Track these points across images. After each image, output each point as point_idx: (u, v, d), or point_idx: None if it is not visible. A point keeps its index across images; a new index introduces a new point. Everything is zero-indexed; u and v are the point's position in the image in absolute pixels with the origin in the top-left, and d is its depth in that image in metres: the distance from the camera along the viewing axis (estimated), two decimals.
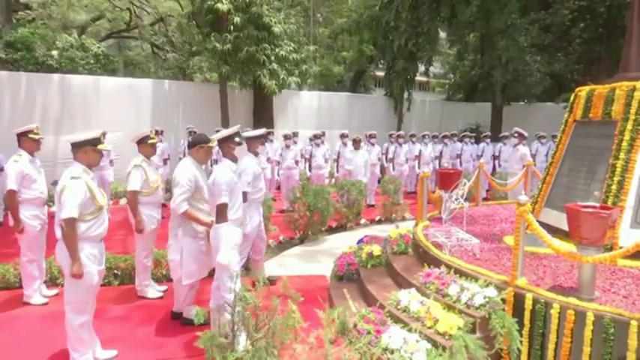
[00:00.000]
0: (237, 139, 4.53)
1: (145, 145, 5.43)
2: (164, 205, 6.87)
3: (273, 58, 12.62)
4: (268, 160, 11.08)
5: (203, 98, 13.95)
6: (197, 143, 4.45)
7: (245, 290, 3.13)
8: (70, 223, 3.72)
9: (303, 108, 16.60)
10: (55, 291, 5.51)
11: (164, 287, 5.64)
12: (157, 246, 5.79)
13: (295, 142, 11.93)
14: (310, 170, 11.20)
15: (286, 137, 10.91)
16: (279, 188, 11.66)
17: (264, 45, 12.48)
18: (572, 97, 6.12)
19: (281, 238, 8.01)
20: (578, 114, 5.93)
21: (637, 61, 5.67)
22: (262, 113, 14.91)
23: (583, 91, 5.92)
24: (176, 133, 12.89)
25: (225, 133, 4.51)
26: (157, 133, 10.51)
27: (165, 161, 10.81)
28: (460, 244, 5.22)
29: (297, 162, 10.89)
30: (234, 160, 4.52)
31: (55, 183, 4.51)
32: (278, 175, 11.08)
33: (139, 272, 5.49)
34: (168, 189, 11.43)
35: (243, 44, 12.23)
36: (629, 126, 5.20)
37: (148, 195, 5.33)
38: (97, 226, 3.88)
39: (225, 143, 4.48)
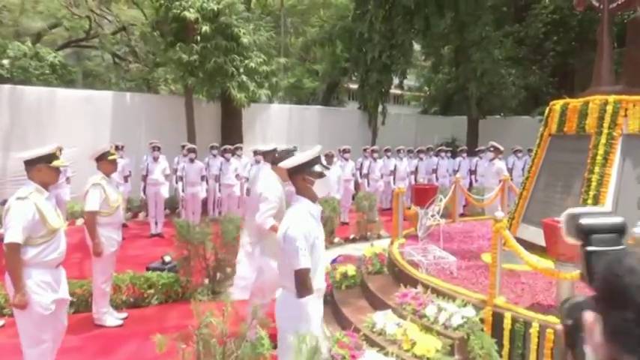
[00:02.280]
0: (318, 169, 3.13)
1: (104, 161, 5.32)
2: (124, 226, 6.74)
3: (242, 69, 12.63)
4: (237, 176, 11.01)
5: (168, 111, 13.83)
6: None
7: (211, 315, 3.08)
8: (13, 249, 3.52)
9: (273, 122, 16.62)
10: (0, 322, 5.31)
11: (124, 314, 5.49)
12: (117, 269, 5.66)
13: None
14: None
15: (256, 153, 10.88)
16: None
17: (233, 56, 12.48)
18: (546, 111, 6.31)
19: None
20: (553, 128, 6.11)
21: (608, 75, 5.90)
22: (231, 127, 14.86)
23: (557, 104, 6.12)
24: (138, 149, 12.70)
25: (302, 157, 3.14)
26: (117, 148, 10.35)
27: (126, 178, 10.62)
28: (437, 263, 5.27)
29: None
30: (314, 199, 3.08)
31: (3, 202, 4.35)
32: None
33: (97, 299, 5.32)
34: (129, 208, 11.29)
35: (210, 55, 12.21)
36: (603, 140, 5.38)
37: (108, 215, 5.20)
38: (50, 251, 3.72)
39: (301, 174, 3.07)
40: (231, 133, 14.58)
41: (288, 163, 3.10)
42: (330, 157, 10.59)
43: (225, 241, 6.43)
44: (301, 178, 3.05)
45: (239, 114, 14.90)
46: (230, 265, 6.75)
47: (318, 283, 2.98)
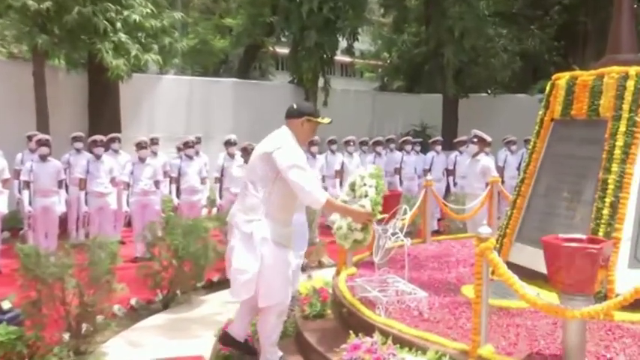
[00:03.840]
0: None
1: None
2: None
3: (120, 24, 12.36)
4: (112, 181, 10.77)
5: (6, 85, 13.34)
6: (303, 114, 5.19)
7: None
8: None
9: (166, 101, 16.40)
10: None
11: None
12: None
13: (155, 154, 11.62)
14: (179, 196, 11.06)
15: (140, 146, 10.70)
16: (129, 224, 11.34)
17: (106, 4, 12.19)
18: (548, 87, 6.53)
19: (133, 301, 7.78)
20: (557, 110, 6.34)
21: (630, 38, 6.17)
22: (103, 109, 14.51)
23: (562, 78, 6.34)
24: None
25: None
26: None
27: None
28: (401, 300, 5.34)
29: (157, 183, 10.75)
30: None
31: None
32: (127, 204, 10.80)
33: None
34: None
35: (72, 3, 11.87)
36: (622, 127, 5.60)
37: None
38: None
39: None
40: (103, 118, 14.29)
41: None
42: (249, 153, 10.53)
43: (95, 275, 6.26)
44: None
45: (115, 90, 14.59)
46: (103, 312, 6.60)
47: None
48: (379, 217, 5.30)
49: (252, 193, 4.95)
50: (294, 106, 5.30)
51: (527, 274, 5.21)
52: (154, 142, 11.88)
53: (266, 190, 4.91)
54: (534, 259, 5.67)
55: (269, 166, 4.90)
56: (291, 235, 5.16)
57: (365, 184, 5.25)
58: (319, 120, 5.24)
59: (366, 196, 5.16)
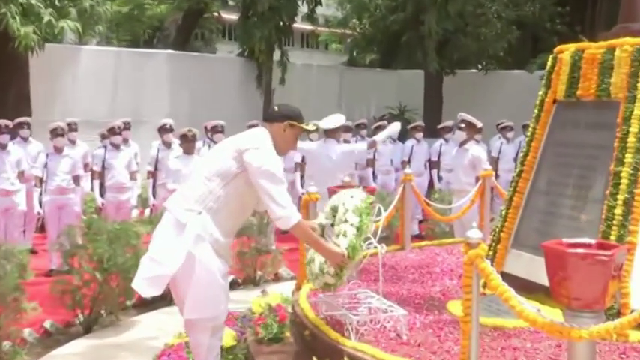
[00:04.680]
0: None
1: None
2: None
3: None
4: (21, 176, 10.62)
5: None
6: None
7: None
8: None
9: (87, 78, 16.21)
10: None
11: None
12: None
13: (73, 142, 11.48)
14: (103, 194, 10.97)
15: (56, 133, 10.57)
16: (43, 229, 11.19)
17: None
18: (549, 62, 6.59)
19: (48, 324, 7.71)
20: (560, 90, 6.40)
21: None
22: (8, 87, 14.29)
23: (566, 51, 6.40)
24: None
25: None
26: None
27: None
28: (375, 319, 5.36)
29: (76, 179, 10.65)
30: None
31: None
32: (40, 204, 10.66)
33: None
34: None
35: None
36: (637, 110, 5.63)
37: None
38: None
39: None
40: (8, 98, 14.11)
41: None
42: (190, 141, 10.47)
43: (0, 292, 6.22)
44: None
45: (24, 64, 14.38)
46: (10, 338, 6.51)
47: None
48: (356, 261, 5.21)
49: (203, 181, 4.94)
50: (276, 109, 5.31)
51: (526, 287, 5.27)
52: (72, 128, 11.75)
53: (221, 183, 4.90)
54: (534, 268, 5.73)
55: (236, 163, 4.90)
56: (229, 250, 5.17)
57: (346, 220, 5.12)
58: (304, 126, 5.24)
59: (344, 235, 5.02)
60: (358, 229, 5.00)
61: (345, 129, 13.83)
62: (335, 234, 5.11)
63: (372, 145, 10.79)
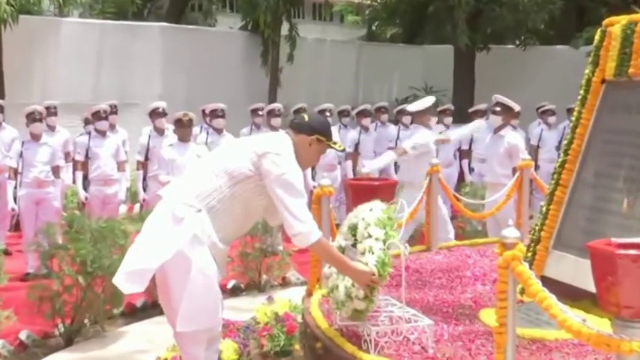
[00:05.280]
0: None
1: None
2: None
3: None
4: None
5: None
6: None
7: None
8: None
9: (68, 55, 16.24)
10: None
11: None
12: None
13: (53, 128, 11.50)
14: (87, 187, 10.97)
15: (33, 117, 10.64)
16: (18, 227, 11.26)
17: None
18: (597, 37, 6.56)
19: (23, 335, 7.72)
20: (610, 68, 6.36)
21: None
22: None
23: (617, 24, 6.37)
24: None
25: None
26: None
27: None
28: (397, 330, 5.36)
29: (56, 170, 10.70)
30: None
31: None
32: (15, 199, 10.72)
33: None
34: None
35: None
36: None
37: None
38: None
39: None
40: None
41: None
42: (185, 126, 10.46)
43: None
44: None
45: None
46: None
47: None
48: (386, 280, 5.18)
49: (210, 175, 4.94)
50: (305, 118, 5.37)
51: (570, 293, 5.26)
52: (51, 111, 11.76)
53: (229, 182, 4.89)
54: (579, 272, 5.71)
55: (252, 165, 4.90)
56: (225, 259, 5.20)
57: (369, 235, 5.10)
58: (331, 144, 5.27)
59: (370, 252, 5.00)
60: (385, 242, 5.00)
61: (364, 113, 13.88)
62: (359, 252, 5.08)
63: (445, 142, 10.84)
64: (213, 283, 4.84)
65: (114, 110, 12.06)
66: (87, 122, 11.80)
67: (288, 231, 4.89)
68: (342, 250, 5.25)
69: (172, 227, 4.76)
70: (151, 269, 4.68)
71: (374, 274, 4.87)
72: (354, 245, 5.21)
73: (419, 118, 9.96)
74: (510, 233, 4.15)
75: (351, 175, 12.70)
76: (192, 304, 4.74)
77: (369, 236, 5.02)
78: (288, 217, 4.77)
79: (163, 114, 11.69)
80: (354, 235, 5.25)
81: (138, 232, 8.67)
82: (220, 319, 5.07)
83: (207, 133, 12.10)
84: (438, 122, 14.11)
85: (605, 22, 6.56)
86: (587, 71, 6.62)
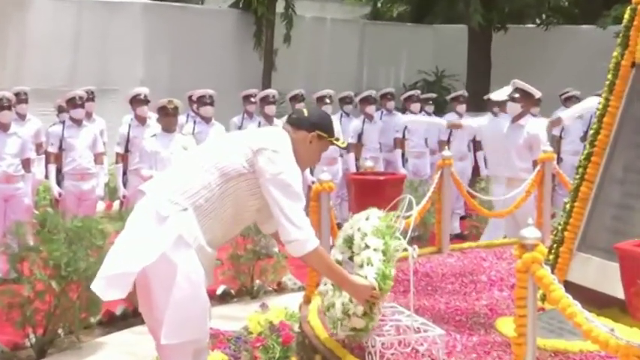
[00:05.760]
0: None
1: None
2: None
3: None
4: None
5: None
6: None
7: None
8: None
9: (40, 36, 16.24)
10: None
11: None
12: None
13: (22, 117, 11.48)
14: (61, 182, 10.99)
15: (1, 105, 10.56)
16: None
17: None
18: (626, 15, 6.56)
19: None
20: None
21: None
22: None
23: None
24: None
25: None
26: None
27: None
28: (404, 341, 5.37)
29: (26, 163, 10.69)
30: None
31: None
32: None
33: None
34: None
35: None
36: None
37: None
38: None
39: None
40: None
41: None
42: (170, 115, 10.44)
43: None
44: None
45: None
46: None
47: None
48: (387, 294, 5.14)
49: (199, 170, 4.87)
50: (305, 113, 5.27)
51: (596, 300, 5.27)
52: (20, 98, 11.74)
53: (220, 179, 4.81)
54: (606, 276, 5.72)
55: (246, 162, 4.82)
56: (213, 264, 5.14)
57: (367, 245, 5.05)
58: (334, 141, 5.23)
59: (369, 264, 4.93)
60: (384, 252, 4.96)
61: (368, 100, 13.86)
62: (357, 265, 5.05)
63: (556, 124, 10.81)
64: (201, 290, 4.73)
65: (91, 97, 12.05)
66: (61, 110, 11.80)
67: (283, 237, 4.84)
68: (340, 264, 5.22)
69: (155, 227, 4.69)
70: (132, 272, 4.60)
71: (374, 289, 4.84)
72: (350, 258, 5.18)
73: (504, 107, 10.26)
74: (530, 233, 4.15)
75: (353, 169, 12.68)
76: (178, 314, 4.65)
77: (367, 247, 4.98)
78: (283, 221, 4.72)
79: (145, 101, 11.66)
80: (351, 248, 5.22)
81: (117, 232, 8.70)
82: (208, 328, 5.02)
83: (195, 122, 12.08)
84: (450, 110, 14.13)
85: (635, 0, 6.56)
86: (615, 53, 6.61)
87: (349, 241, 5.25)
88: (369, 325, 4.97)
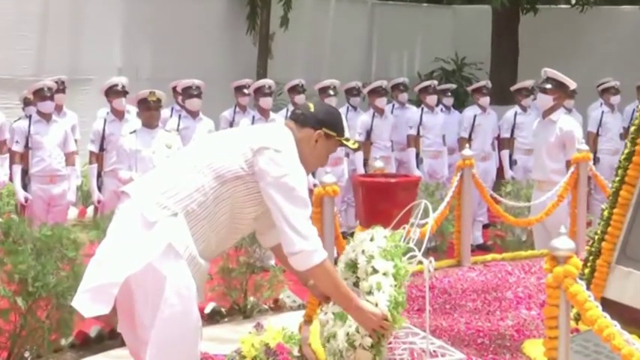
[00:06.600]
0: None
1: None
2: None
3: None
4: None
5: None
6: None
7: None
8: None
9: (3, 20, 16.24)
10: None
11: None
12: None
13: None
14: (27, 186, 10.96)
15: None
16: None
17: None
18: None
19: None
20: None
21: None
22: None
23: None
24: None
25: None
26: None
27: None
28: None
29: None
30: None
31: None
32: None
33: None
34: None
35: None
36: None
37: None
38: None
39: None
40: None
41: None
42: (151, 107, 10.48)
43: None
44: None
45: None
46: None
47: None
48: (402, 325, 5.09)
49: (191, 171, 4.82)
50: (310, 109, 5.19)
51: (637, 320, 5.28)
52: None
53: (215, 182, 4.76)
54: None
55: (245, 162, 4.78)
56: (204, 278, 5.10)
57: (374, 270, 4.95)
58: (343, 140, 5.23)
59: (379, 289, 4.83)
60: (395, 276, 4.89)
61: (378, 92, 13.86)
62: (364, 292, 4.95)
63: None
64: (193, 307, 4.66)
65: (61, 88, 12.09)
66: (27, 103, 11.83)
67: (287, 249, 4.73)
68: None
69: (141, 232, 4.62)
70: (116, 283, 4.49)
71: (385, 319, 4.75)
72: (355, 284, 5.11)
73: None
74: (563, 244, 4.16)
75: (361, 170, 12.70)
76: (165, 333, 4.58)
77: (375, 271, 4.90)
78: (287, 230, 4.64)
79: (123, 92, 11.67)
80: (355, 273, 5.17)
81: (91, 242, 8.75)
82: (199, 352, 4.96)
83: (180, 116, 12.10)
84: (471, 103, 14.13)
85: None
86: None
87: (353, 266, 5.20)
88: (375, 359, 4.88)
